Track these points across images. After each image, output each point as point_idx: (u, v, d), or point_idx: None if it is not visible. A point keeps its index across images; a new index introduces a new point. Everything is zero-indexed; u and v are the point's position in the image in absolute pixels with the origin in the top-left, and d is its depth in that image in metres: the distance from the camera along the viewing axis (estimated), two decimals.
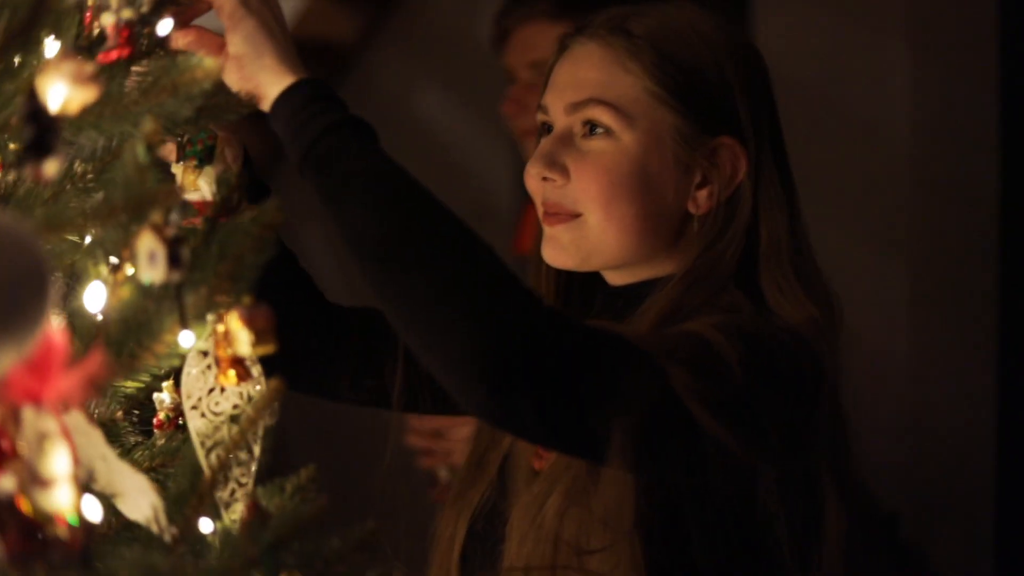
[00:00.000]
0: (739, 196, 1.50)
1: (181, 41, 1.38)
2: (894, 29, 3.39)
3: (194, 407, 1.20)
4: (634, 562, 1.39)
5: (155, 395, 1.36)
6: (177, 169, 1.37)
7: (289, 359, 1.23)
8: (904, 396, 3.46)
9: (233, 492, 1.17)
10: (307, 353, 1.57)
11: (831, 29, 3.46)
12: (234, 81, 1.39)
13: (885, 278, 3.45)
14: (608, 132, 1.49)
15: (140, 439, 1.36)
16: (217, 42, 1.42)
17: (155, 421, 1.36)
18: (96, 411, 1.28)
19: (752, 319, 1.44)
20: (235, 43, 1.39)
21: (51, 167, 0.92)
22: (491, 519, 1.52)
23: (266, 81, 1.38)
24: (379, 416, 2.49)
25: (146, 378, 1.27)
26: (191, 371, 1.21)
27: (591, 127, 1.50)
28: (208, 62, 1.12)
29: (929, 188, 3.38)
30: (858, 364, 3.48)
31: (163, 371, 1.26)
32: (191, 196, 1.34)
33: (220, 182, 1.25)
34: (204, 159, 1.35)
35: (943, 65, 3.35)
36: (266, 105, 1.39)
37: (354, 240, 1.34)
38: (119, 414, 1.30)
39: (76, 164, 1.17)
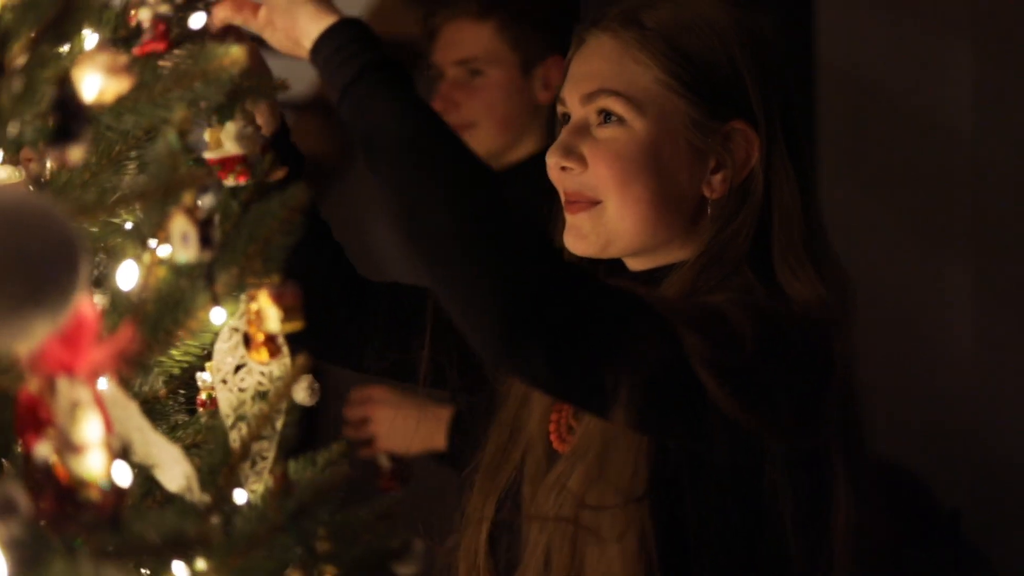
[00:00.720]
0: (752, 179, 1.53)
1: (220, 13, 1.44)
2: (957, 26, 3.39)
3: (223, 381, 1.26)
4: (643, 529, 1.43)
5: (198, 375, 1.42)
6: (207, 133, 1.43)
7: (317, 327, 1.28)
8: (967, 392, 3.46)
9: (256, 464, 1.22)
10: (334, 322, 1.62)
11: (894, 26, 3.47)
12: (275, 38, 1.45)
13: (948, 274, 3.45)
14: (620, 120, 1.54)
15: (186, 418, 1.42)
16: (253, 5, 1.47)
17: (198, 400, 1.42)
18: (140, 387, 1.34)
19: (766, 298, 1.47)
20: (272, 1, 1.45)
21: (75, 153, 0.98)
22: (517, 502, 1.57)
23: (305, 27, 1.43)
24: None
25: (189, 358, 1.33)
26: (221, 347, 1.27)
27: (605, 116, 1.54)
28: (235, 50, 1.18)
29: (991, 184, 3.38)
30: (922, 360, 3.48)
31: (204, 351, 1.33)
32: (215, 154, 1.39)
33: (241, 137, 1.31)
34: (224, 115, 1.39)
35: (1005, 62, 3.35)
36: (306, 49, 1.44)
37: (383, 185, 1.39)
38: (162, 392, 1.36)
39: (116, 148, 1.23)
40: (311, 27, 1.43)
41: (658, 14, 1.55)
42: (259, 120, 1.48)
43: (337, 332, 1.64)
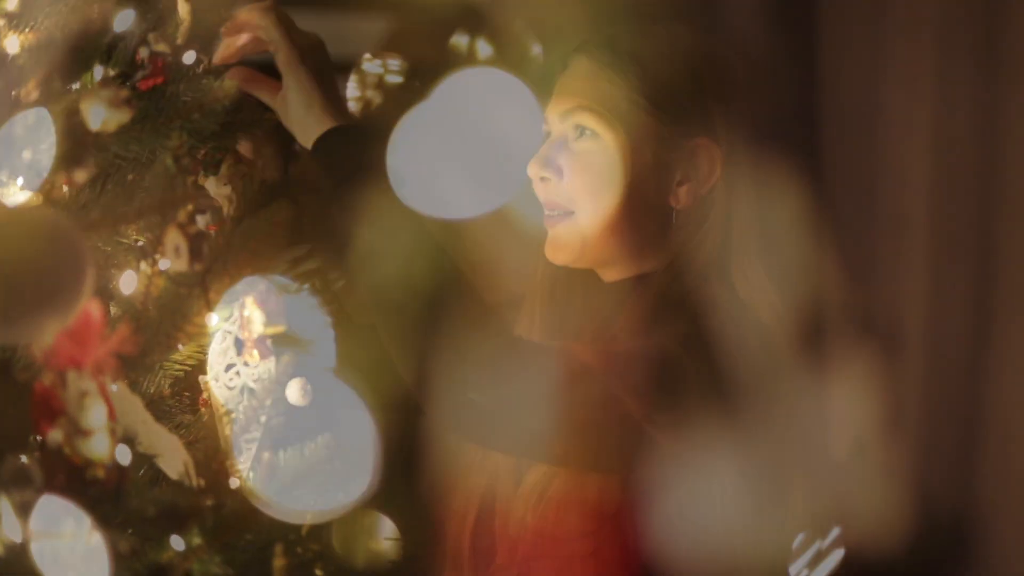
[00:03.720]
0: (715, 193, 1.67)
1: (239, 80, 1.57)
2: (959, 45, 3.48)
3: (215, 379, 1.41)
4: (622, 543, 1.58)
5: (200, 377, 1.56)
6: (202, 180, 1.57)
7: None
8: (968, 393, 3.53)
9: (242, 453, 1.37)
10: None
11: (895, 45, 3.56)
12: (286, 117, 1.59)
13: (948, 278, 3.53)
14: (594, 134, 1.69)
15: (191, 417, 1.57)
16: (270, 84, 1.60)
17: (200, 399, 1.57)
18: (146, 388, 1.49)
19: (718, 316, 1.60)
20: (288, 87, 1.58)
21: (81, 175, 1.13)
22: (497, 490, 1.70)
23: (309, 126, 1.57)
24: None
25: (192, 361, 1.49)
26: (215, 348, 1.42)
27: (581, 131, 1.70)
28: (227, 83, 1.33)
29: (994, 193, 3.46)
30: (922, 364, 3.53)
31: (205, 355, 1.48)
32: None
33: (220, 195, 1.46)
34: (207, 169, 1.49)
35: (1011, 74, 3.43)
36: (310, 141, 1.58)
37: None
38: (166, 391, 1.51)
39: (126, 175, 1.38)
40: (311, 128, 1.57)
41: (631, 40, 1.71)
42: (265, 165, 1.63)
43: None
